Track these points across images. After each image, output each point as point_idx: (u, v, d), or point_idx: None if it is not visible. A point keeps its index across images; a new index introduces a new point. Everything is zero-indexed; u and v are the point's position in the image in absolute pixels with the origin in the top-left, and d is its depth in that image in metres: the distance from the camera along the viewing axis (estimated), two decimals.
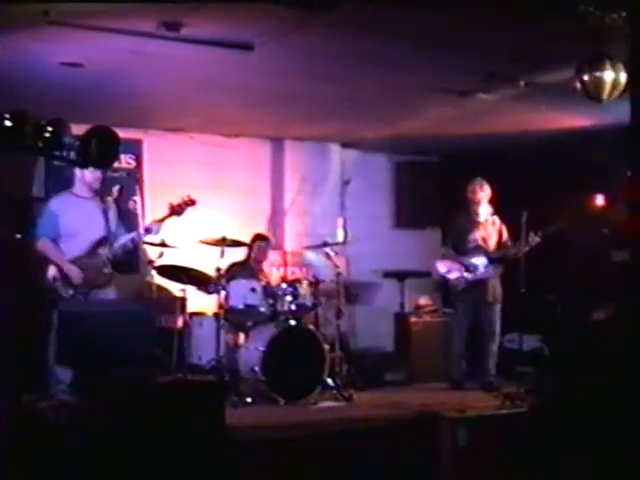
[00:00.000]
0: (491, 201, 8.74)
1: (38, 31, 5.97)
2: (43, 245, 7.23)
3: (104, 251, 7.19)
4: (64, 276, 7.09)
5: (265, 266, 9.37)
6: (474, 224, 8.71)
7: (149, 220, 7.52)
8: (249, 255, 9.12)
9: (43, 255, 7.22)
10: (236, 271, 8.70)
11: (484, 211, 8.71)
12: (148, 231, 7.35)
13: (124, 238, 7.35)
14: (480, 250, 8.63)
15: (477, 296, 8.59)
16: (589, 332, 8.96)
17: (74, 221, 7.23)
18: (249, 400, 7.46)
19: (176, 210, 7.41)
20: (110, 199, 7.42)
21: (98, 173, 7.25)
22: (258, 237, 9.27)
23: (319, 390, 7.80)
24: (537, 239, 8.18)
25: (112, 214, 7.35)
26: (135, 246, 7.58)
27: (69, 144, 4.35)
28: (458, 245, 8.75)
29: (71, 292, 7.07)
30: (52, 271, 7.12)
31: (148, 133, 9.75)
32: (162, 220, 7.40)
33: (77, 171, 7.22)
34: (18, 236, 7.97)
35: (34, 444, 5.27)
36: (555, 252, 9.49)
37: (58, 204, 7.31)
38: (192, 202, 7.47)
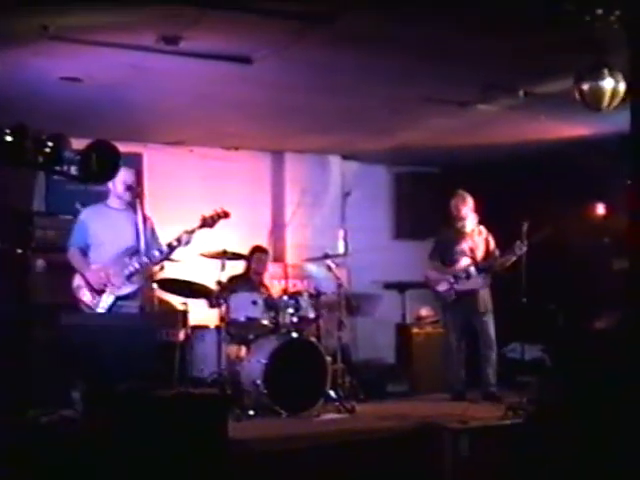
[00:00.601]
0: (476, 210, 8.78)
1: (37, 46, 5.98)
2: (72, 255, 7.27)
3: (131, 261, 7.13)
4: (88, 284, 7.10)
5: (266, 278, 9.37)
6: (460, 235, 8.74)
7: (181, 231, 7.44)
8: (248, 267, 9.13)
9: (70, 265, 7.23)
10: (237, 284, 8.69)
11: (470, 222, 8.74)
12: (179, 242, 7.26)
13: (155, 253, 7.28)
14: (467, 261, 8.66)
15: (468, 307, 8.62)
16: (591, 341, 8.95)
17: (102, 230, 7.24)
18: (251, 413, 7.45)
19: (208, 222, 7.35)
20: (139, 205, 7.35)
21: (127, 182, 7.20)
22: (256, 249, 9.28)
23: (321, 402, 7.78)
24: (524, 248, 8.19)
25: (144, 226, 7.24)
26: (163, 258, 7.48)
27: (69, 159, 4.35)
28: (445, 257, 8.78)
29: (95, 298, 7.06)
30: (77, 280, 7.15)
31: (148, 147, 9.77)
32: (193, 231, 7.29)
33: (110, 184, 7.17)
34: (19, 250, 7.97)
35: (37, 459, 5.26)
36: (556, 261, 9.50)
37: (89, 214, 7.36)
38: (225, 214, 7.42)
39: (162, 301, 8.62)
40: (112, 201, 7.35)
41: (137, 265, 7.12)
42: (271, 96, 7.66)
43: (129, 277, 7.12)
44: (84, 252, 7.24)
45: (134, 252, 7.15)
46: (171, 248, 7.29)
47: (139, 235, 7.15)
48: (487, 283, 8.69)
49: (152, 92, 7.48)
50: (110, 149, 4.64)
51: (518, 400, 7.30)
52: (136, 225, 7.19)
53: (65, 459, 5.28)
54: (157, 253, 7.26)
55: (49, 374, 6.87)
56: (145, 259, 7.17)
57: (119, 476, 5.27)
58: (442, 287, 8.70)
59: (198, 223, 7.37)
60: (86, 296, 7.09)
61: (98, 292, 7.09)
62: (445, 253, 8.80)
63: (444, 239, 8.88)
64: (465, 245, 8.70)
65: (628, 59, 3.99)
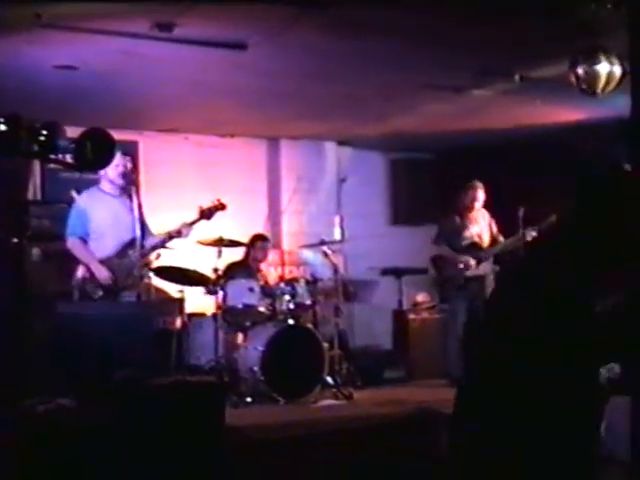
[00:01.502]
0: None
1: (31, 34, 5.96)
2: (72, 244, 7.21)
3: (134, 252, 7.12)
4: (93, 276, 7.08)
5: (263, 266, 9.37)
6: (468, 220, 8.74)
7: (179, 223, 7.44)
8: (247, 255, 9.12)
9: (72, 255, 7.21)
10: (234, 271, 8.69)
11: (479, 209, 8.78)
12: (179, 234, 7.32)
13: (154, 240, 7.33)
14: (476, 246, 8.66)
15: (475, 292, 8.60)
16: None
17: (103, 220, 7.20)
18: (249, 400, 7.45)
19: (206, 214, 7.43)
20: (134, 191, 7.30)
21: (120, 169, 7.18)
22: (258, 237, 9.26)
23: (319, 389, 7.80)
24: (534, 233, 8.19)
25: (138, 214, 7.20)
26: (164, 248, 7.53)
27: (64, 147, 4.33)
28: (453, 242, 8.76)
29: (100, 293, 7.06)
30: (81, 271, 7.12)
31: (143, 134, 9.74)
32: (192, 223, 7.38)
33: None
34: (14, 240, 7.96)
35: (34, 448, 5.26)
36: None
37: (87, 201, 7.28)
38: (222, 206, 7.51)
39: (159, 289, 8.61)
40: (105, 185, 7.29)
41: (138, 255, 7.10)
42: (266, 82, 7.64)
43: (131, 269, 7.11)
44: (84, 241, 7.20)
45: (134, 243, 7.12)
46: (170, 238, 7.31)
47: (135, 224, 7.13)
48: (493, 269, 8.70)
49: (147, 79, 7.46)
50: (105, 137, 4.62)
51: None
52: (132, 213, 7.15)
53: (62, 448, 5.28)
54: (159, 244, 7.28)
55: (45, 363, 6.86)
56: (144, 249, 7.17)
57: (117, 464, 5.27)
58: (453, 269, 8.68)
59: (196, 215, 7.42)
60: (90, 290, 7.08)
61: (104, 286, 7.08)
62: (453, 239, 8.77)
63: (451, 225, 8.85)
64: (473, 231, 8.71)
65: (629, 44, 3.96)
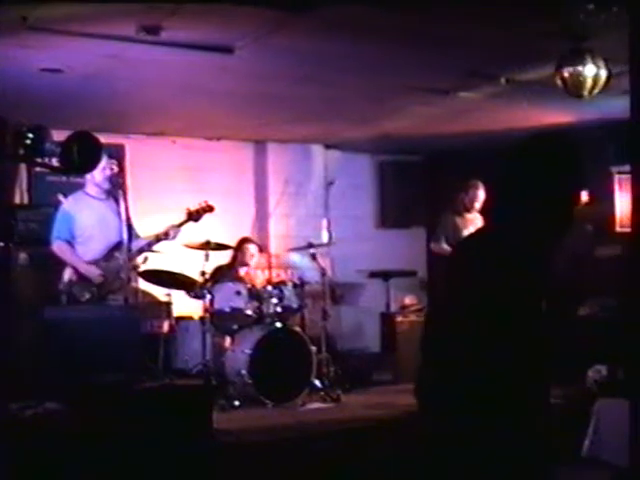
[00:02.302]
0: None
1: (17, 37, 5.93)
2: (58, 247, 7.22)
3: (121, 255, 7.10)
4: (81, 278, 7.07)
5: (250, 269, 9.36)
6: (465, 221, 8.72)
7: (167, 225, 7.46)
8: (235, 258, 9.11)
9: (59, 258, 7.21)
10: (221, 274, 8.68)
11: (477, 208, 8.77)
12: (166, 236, 7.33)
13: (141, 242, 7.34)
14: None
15: None
16: (573, 328, 8.98)
17: (90, 223, 7.22)
18: (237, 403, 7.45)
19: (193, 216, 7.46)
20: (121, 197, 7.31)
21: (107, 172, 7.21)
22: (244, 240, 9.25)
23: (307, 392, 7.80)
24: None
25: (124, 217, 7.16)
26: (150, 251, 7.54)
27: (50, 150, 4.33)
28: (453, 242, 8.70)
29: (88, 296, 7.05)
30: (68, 274, 7.12)
31: (130, 138, 9.73)
32: (180, 225, 7.40)
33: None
34: (1, 244, 7.93)
35: (22, 452, 5.24)
36: None
37: (73, 205, 7.29)
38: (210, 208, 7.54)
39: (146, 293, 8.60)
40: (90, 189, 7.30)
41: (125, 258, 7.09)
42: (253, 86, 7.64)
43: (119, 271, 7.11)
44: (71, 244, 7.19)
45: (121, 246, 7.11)
46: (158, 240, 7.32)
47: (122, 227, 7.12)
48: None
49: (134, 83, 7.44)
50: (91, 140, 4.62)
51: None
52: (119, 216, 7.14)
53: (50, 452, 5.26)
54: (145, 247, 7.30)
55: (33, 367, 6.84)
56: (131, 252, 7.17)
57: (104, 468, 5.26)
58: None
59: (184, 217, 7.44)
60: (78, 292, 7.07)
61: (92, 288, 7.08)
62: (453, 238, 8.69)
63: (450, 225, 8.80)
64: (471, 230, 8.67)
65: (629, 46, 3.96)
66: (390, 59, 6.92)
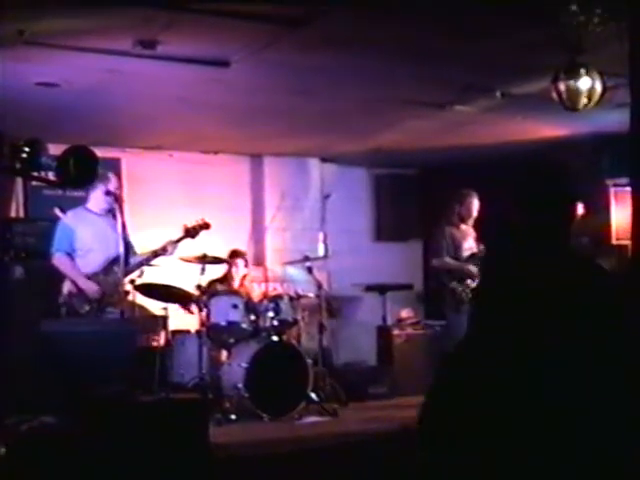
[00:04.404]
0: None
1: (13, 51, 5.94)
2: (58, 260, 7.26)
3: (119, 269, 7.14)
4: (80, 291, 7.11)
5: (246, 282, 9.36)
6: (462, 233, 8.64)
7: (165, 241, 7.52)
8: (229, 271, 9.11)
9: (58, 270, 7.25)
10: (215, 288, 8.68)
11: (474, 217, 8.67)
12: (164, 251, 7.40)
13: (138, 258, 7.40)
14: (476, 256, 8.49)
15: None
16: None
17: (89, 237, 7.28)
18: (233, 417, 7.44)
19: (191, 232, 7.56)
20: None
21: (111, 196, 7.28)
22: (231, 253, 9.20)
23: (303, 405, 7.79)
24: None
25: (122, 233, 7.27)
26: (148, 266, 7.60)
27: (47, 164, 4.33)
28: (455, 254, 8.59)
29: (87, 308, 7.12)
30: (68, 286, 7.15)
31: (126, 152, 9.74)
32: (177, 241, 7.49)
33: (93, 187, 7.21)
34: None
35: (18, 466, 5.23)
36: None
37: (73, 219, 7.34)
38: (206, 225, 7.64)
39: (142, 306, 8.60)
40: (92, 205, 7.37)
41: (123, 272, 7.16)
42: (249, 99, 7.65)
43: (117, 285, 7.14)
44: (71, 257, 7.23)
45: (119, 259, 7.15)
46: (155, 256, 7.37)
47: (119, 242, 7.16)
48: None
49: (130, 97, 7.46)
50: (88, 154, 4.61)
51: None
52: (116, 231, 7.18)
53: (46, 466, 5.25)
54: (144, 262, 7.38)
55: (29, 381, 6.83)
56: (128, 266, 7.23)
57: None
58: (459, 281, 8.41)
59: (181, 233, 7.53)
60: (77, 305, 7.10)
61: (91, 300, 7.11)
62: (455, 251, 8.58)
63: (448, 237, 8.66)
64: (471, 243, 8.61)
65: (629, 54, 3.98)
66: (386, 73, 6.93)
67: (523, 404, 2.85)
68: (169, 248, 7.42)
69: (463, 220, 8.63)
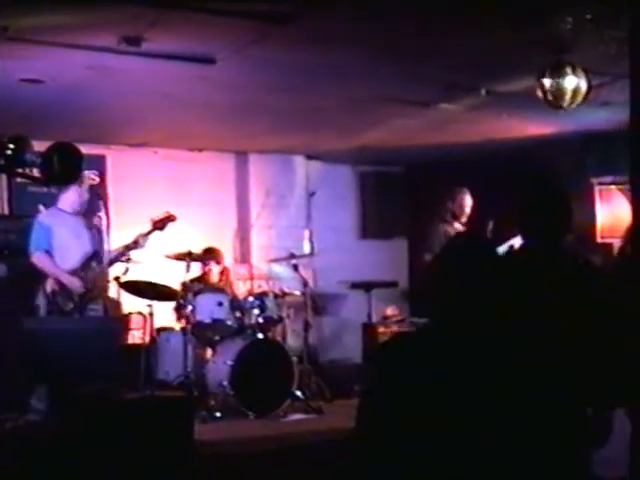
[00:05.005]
0: None
1: None
2: (38, 259, 7.31)
3: (97, 265, 7.29)
4: (63, 288, 7.11)
5: (231, 277, 9.36)
6: (454, 230, 8.61)
7: (136, 234, 7.56)
8: (203, 270, 9.07)
9: (39, 269, 7.31)
10: (194, 286, 8.66)
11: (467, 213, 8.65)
12: (136, 245, 7.48)
13: (114, 253, 7.46)
14: None
15: None
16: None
17: (65, 235, 7.36)
18: (218, 415, 7.42)
19: (158, 225, 7.64)
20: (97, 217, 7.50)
21: (86, 195, 7.46)
22: (206, 252, 9.12)
23: (288, 403, 7.78)
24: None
25: (95, 231, 7.48)
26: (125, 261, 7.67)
27: (31, 161, 4.33)
28: None
29: (71, 305, 7.18)
30: (50, 284, 7.16)
31: (111, 148, 9.71)
32: (147, 234, 7.58)
33: (65, 188, 7.30)
34: None
35: (2, 464, 5.21)
36: None
37: (49, 218, 7.43)
38: (172, 217, 7.70)
39: (127, 304, 8.57)
40: (64, 205, 7.48)
41: (100, 267, 7.29)
42: (235, 96, 7.64)
43: (95, 281, 7.18)
44: (50, 255, 7.26)
45: (96, 255, 7.30)
46: (128, 250, 7.47)
47: (95, 239, 7.36)
48: None
49: (115, 93, 7.43)
50: (72, 151, 4.61)
51: None
52: (90, 229, 7.40)
53: (30, 464, 5.23)
54: (119, 257, 7.44)
55: (12, 379, 6.80)
56: (105, 262, 7.34)
57: (85, 478, 5.23)
58: None
59: (150, 227, 7.62)
60: (62, 302, 7.12)
61: (74, 297, 7.12)
62: None
63: (442, 234, 8.60)
64: None
65: (630, 49, 3.98)
66: (371, 71, 6.93)
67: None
68: (140, 241, 7.53)
69: (456, 217, 8.61)
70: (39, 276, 7.31)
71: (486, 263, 2.75)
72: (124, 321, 8.41)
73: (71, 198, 7.39)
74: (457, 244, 2.98)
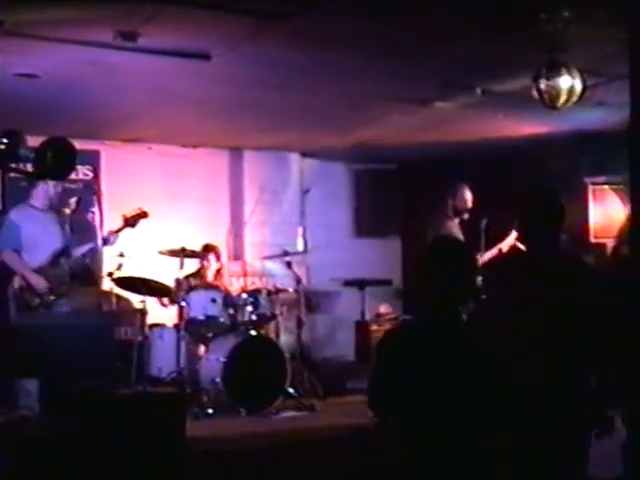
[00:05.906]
0: None
1: None
2: (6, 256, 7.27)
3: (65, 261, 7.25)
4: (29, 285, 7.10)
5: (225, 275, 9.35)
6: (456, 228, 8.60)
7: (106, 231, 7.54)
8: (201, 266, 9.08)
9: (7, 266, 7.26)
10: (192, 282, 8.66)
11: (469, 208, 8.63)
12: (106, 242, 7.43)
13: (83, 249, 7.39)
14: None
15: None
16: None
17: (34, 232, 7.29)
18: (210, 411, 7.42)
19: (130, 222, 7.58)
20: (68, 211, 7.48)
21: (59, 188, 7.37)
22: (206, 248, 9.14)
23: (281, 400, 7.78)
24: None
25: (67, 227, 7.45)
26: (94, 256, 7.62)
27: (25, 156, 4.32)
28: None
29: (37, 301, 7.15)
30: (18, 281, 7.15)
31: (105, 144, 9.69)
32: (118, 231, 7.53)
33: (35, 184, 7.27)
34: None
35: None
36: None
37: (18, 215, 7.34)
38: (144, 214, 7.65)
39: (120, 299, 8.57)
40: (35, 201, 7.42)
41: (69, 265, 7.28)
42: (229, 93, 7.63)
43: (64, 277, 7.24)
44: (19, 253, 7.25)
45: (65, 252, 7.29)
46: (99, 247, 7.47)
47: (66, 234, 7.37)
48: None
49: (110, 89, 7.41)
50: (66, 146, 4.60)
51: None
52: (61, 225, 7.37)
53: (21, 459, 5.22)
54: (88, 253, 7.47)
55: (4, 374, 6.80)
56: (75, 258, 7.34)
57: (76, 475, 5.23)
58: None
59: (121, 223, 7.58)
60: (29, 299, 7.12)
61: (40, 294, 7.12)
62: None
63: (446, 230, 8.59)
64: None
65: (629, 51, 3.99)
66: (366, 68, 6.93)
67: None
68: (111, 238, 7.49)
69: (458, 213, 8.58)
70: (8, 273, 7.31)
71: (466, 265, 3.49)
72: (117, 317, 8.39)
73: (40, 194, 7.34)
74: (439, 248, 3.60)
